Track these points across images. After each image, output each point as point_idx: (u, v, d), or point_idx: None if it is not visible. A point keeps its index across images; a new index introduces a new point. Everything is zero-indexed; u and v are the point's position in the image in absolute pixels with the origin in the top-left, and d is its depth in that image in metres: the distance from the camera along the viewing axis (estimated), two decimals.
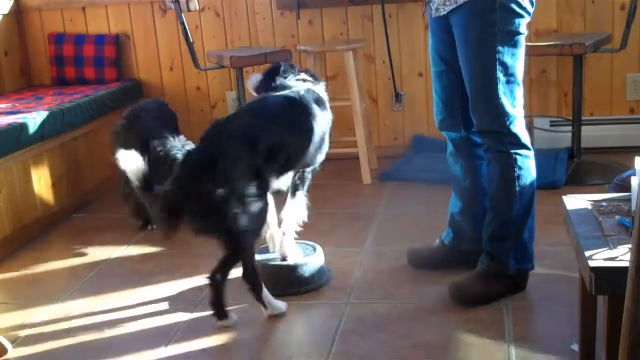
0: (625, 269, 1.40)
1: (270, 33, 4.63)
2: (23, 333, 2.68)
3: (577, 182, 3.84)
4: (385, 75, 4.50)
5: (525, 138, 2.58)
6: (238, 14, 4.66)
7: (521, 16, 2.50)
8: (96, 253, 3.41)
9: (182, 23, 4.01)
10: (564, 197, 2.13)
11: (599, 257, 1.71)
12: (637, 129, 4.32)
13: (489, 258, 2.66)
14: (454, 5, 2.51)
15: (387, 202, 3.81)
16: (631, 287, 1.34)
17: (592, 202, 2.07)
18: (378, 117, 4.62)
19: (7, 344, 2.54)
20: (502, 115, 2.52)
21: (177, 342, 2.54)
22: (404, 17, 4.47)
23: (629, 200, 2.00)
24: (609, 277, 1.66)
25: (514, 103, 2.54)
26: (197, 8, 3.98)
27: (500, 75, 2.49)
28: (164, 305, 2.83)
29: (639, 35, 4.17)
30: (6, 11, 4.70)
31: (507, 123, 2.53)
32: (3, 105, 4.07)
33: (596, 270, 1.67)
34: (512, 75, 2.52)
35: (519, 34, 2.51)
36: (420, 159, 4.37)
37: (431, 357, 2.34)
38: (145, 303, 2.86)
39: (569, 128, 4.08)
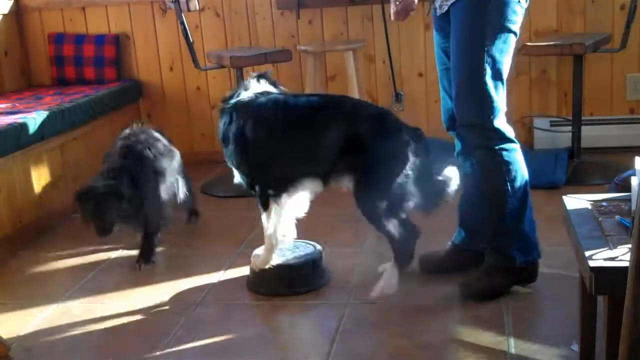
0: (625, 269, 1.40)
1: (270, 33, 4.63)
2: (23, 333, 2.68)
3: (577, 182, 3.83)
4: (385, 75, 4.50)
5: (509, 132, 2.59)
6: (238, 14, 4.65)
7: (514, 12, 2.50)
8: (96, 253, 3.40)
9: (182, 23, 4.01)
10: (564, 197, 2.12)
11: (599, 257, 1.71)
12: (637, 129, 4.32)
13: (495, 253, 2.67)
14: (453, 0, 2.54)
15: None
16: (631, 287, 1.34)
17: (592, 202, 2.07)
18: None
19: (7, 344, 2.54)
20: (485, 107, 2.53)
21: (176, 342, 2.54)
22: None
23: (629, 200, 2.00)
24: (609, 277, 1.66)
25: (498, 98, 2.54)
26: (197, 8, 3.98)
27: (488, 68, 2.50)
28: (164, 305, 2.83)
29: (639, 35, 4.17)
30: (6, 11, 4.70)
31: (490, 116, 2.53)
32: (3, 105, 4.07)
33: (596, 270, 1.67)
34: (498, 70, 2.52)
35: (510, 31, 2.52)
36: None
37: (431, 357, 2.34)
38: (145, 303, 2.86)
39: (569, 128, 4.08)
